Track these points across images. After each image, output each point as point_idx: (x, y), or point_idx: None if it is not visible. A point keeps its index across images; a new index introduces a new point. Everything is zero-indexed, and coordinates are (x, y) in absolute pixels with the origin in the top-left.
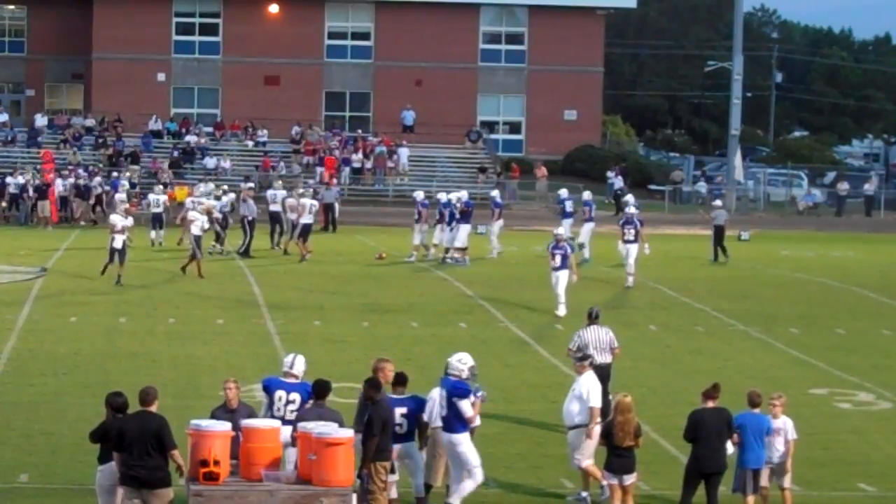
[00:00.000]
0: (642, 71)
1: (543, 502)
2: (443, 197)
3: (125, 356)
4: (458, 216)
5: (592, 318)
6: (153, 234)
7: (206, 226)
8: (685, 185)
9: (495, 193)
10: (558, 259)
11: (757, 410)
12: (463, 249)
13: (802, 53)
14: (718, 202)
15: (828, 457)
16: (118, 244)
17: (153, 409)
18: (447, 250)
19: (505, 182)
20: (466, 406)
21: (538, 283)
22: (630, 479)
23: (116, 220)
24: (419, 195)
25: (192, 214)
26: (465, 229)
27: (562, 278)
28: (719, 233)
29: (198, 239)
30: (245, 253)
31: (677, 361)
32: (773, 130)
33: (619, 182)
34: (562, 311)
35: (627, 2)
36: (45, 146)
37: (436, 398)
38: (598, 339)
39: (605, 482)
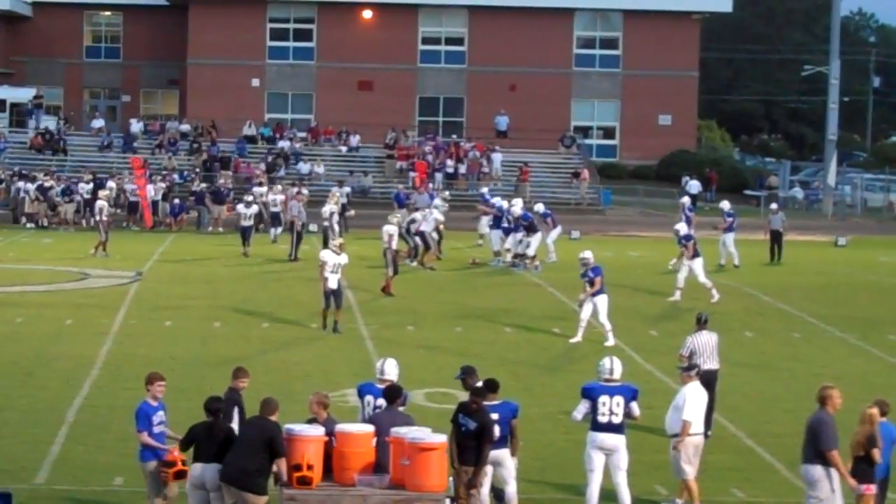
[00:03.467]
0: (738, 75)
1: None
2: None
3: (219, 361)
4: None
5: (702, 324)
6: (272, 231)
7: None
8: (781, 190)
9: (539, 206)
10: (595, 285)
11: (884, 419)
12: (532, 257)
13: None
14: (774, 206)
15: None
16: (333, 284)
17: (273, 418)
18: (517, 256)
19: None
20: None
21: (632, 288)
22: (862, 489)
23: (328, 257)
24: (496, 200)
25: (388, 228)
26: (536, 238)
27: (600, 305)
28: (776, 237)
29: (394, 253)
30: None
31: (773, 368)
32: (870, 135)
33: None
34: (611, 340)
35: (723, 6)
36: (140, 151)
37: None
38: (707, 344)
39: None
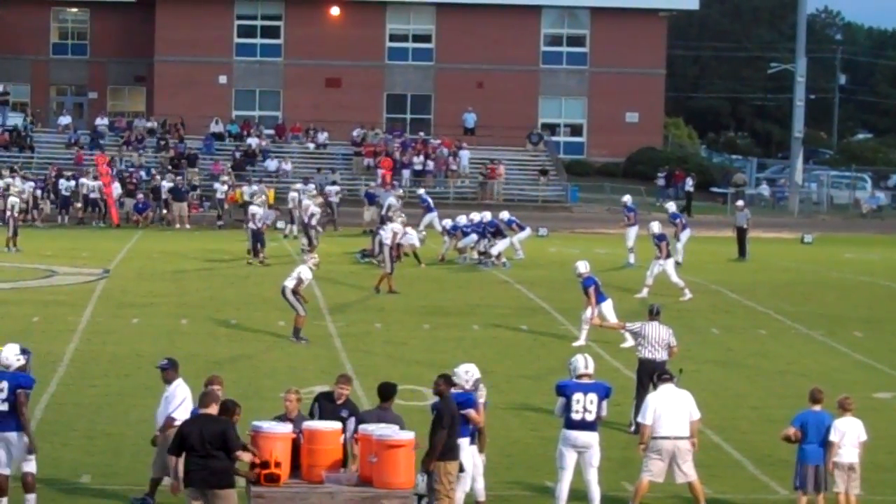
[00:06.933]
0: (704, 73)
1: None
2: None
3: (186, 358)
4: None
5: (653, 314)
6: (287, 226)
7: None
8: (748, 187)
9: (504, 214)
10: (590, 297)
11: (818, 407)
12: (497, 255)
13: (866, 55)
14: (740, 202)
15: (892, 461)
16: (289, 294)
17: (212, 411)
18: (482, 253)
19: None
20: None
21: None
22: None
23: (306, 272)
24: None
25: (391, 226)
26: (503, 242)
27: (606, 312)
28: (741, 234)
29: (391, 251)
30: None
31: (740, 364)
32: (836, 133)
33: (688, 184)
34: (629, 341)
35: (690, 3)
36: (107, 149)
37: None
38: (658, 335)
39: None
